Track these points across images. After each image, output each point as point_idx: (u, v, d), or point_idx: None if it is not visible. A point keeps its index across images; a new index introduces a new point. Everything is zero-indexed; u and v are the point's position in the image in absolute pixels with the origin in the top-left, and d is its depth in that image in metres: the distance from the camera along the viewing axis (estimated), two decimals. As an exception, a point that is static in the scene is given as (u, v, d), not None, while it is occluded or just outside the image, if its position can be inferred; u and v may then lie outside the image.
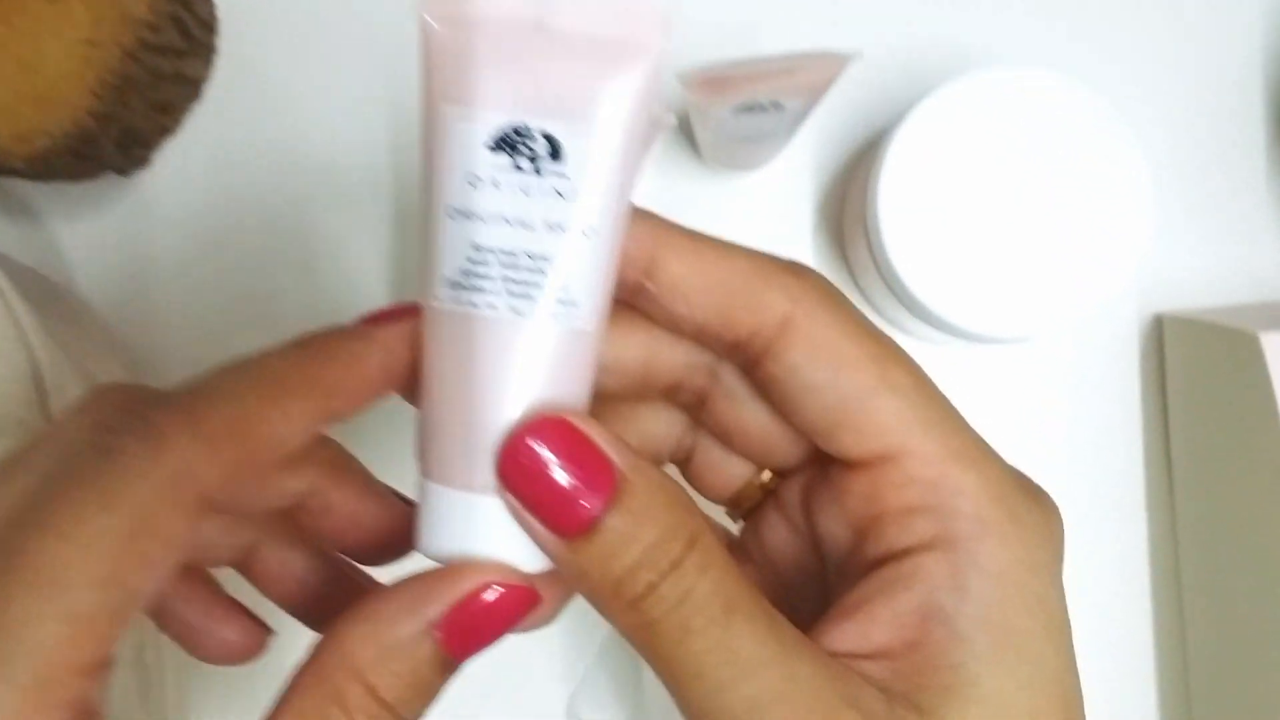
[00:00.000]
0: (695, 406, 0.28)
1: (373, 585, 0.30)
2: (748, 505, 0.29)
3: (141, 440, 0.21)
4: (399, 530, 0.28)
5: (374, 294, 0.51)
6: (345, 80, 0.51)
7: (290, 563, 0.29)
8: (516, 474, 0.23)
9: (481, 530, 0.24)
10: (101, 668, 0.20)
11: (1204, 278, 0.51)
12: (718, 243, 0.25)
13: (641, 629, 0.23)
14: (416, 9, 0.23)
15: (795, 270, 0.25)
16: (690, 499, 0.24)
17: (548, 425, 0.23)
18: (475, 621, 0.23)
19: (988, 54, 0.51)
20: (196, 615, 0.28)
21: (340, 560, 0.30)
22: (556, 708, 0.51)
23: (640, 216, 0.25)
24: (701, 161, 0.51)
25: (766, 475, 0.29)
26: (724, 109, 0.41)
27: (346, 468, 0.28)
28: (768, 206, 0.51)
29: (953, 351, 0.50)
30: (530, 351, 0.23)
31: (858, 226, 0.46)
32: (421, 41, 0.23)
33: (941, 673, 0.23)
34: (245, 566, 0.29)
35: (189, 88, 0.47)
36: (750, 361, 0.25)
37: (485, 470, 0.23)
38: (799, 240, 0.51)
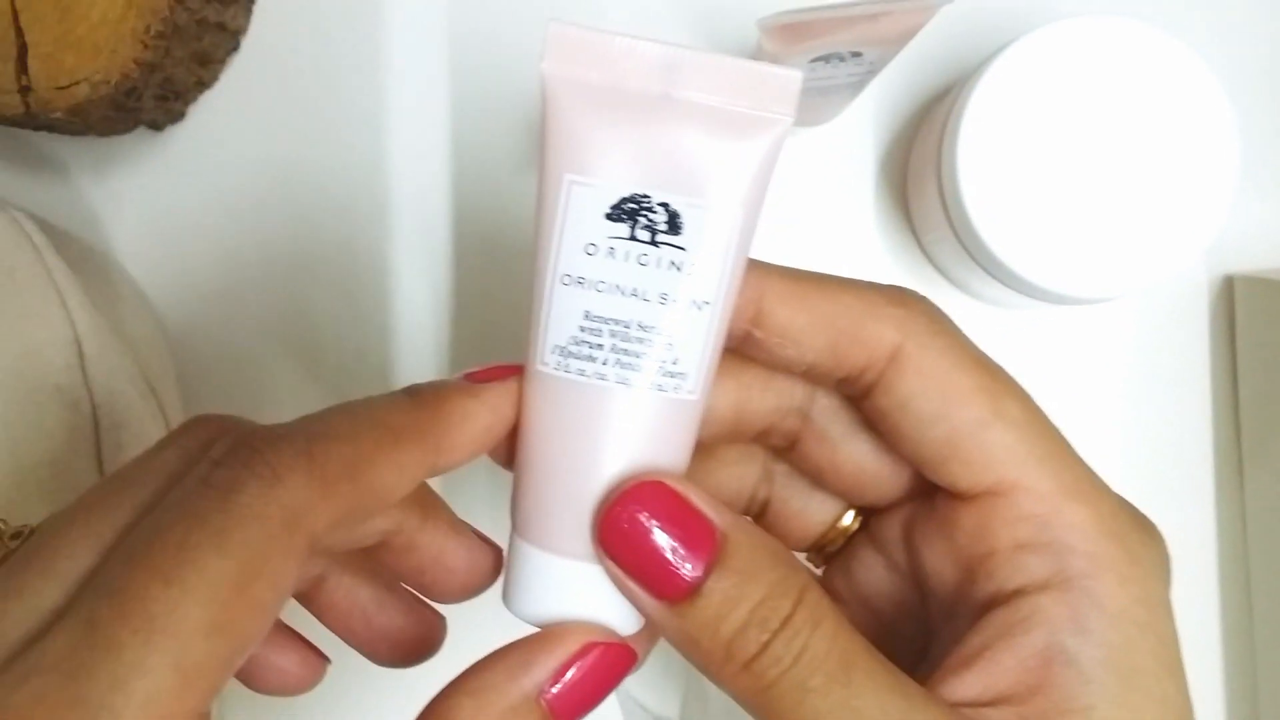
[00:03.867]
0: (783, 449, 0.28)
1: (437, 621, 0.29)
2: (831, 549, 0.29)
3: (257, 477, 0.20)
4: (479, 570, 0.28)
5: (412, 266, 0.49)
6: (392, 30, 0.49)
7: (357, 595, 0.28)
8: (617, 541, 0.23)
9: (578, 595, 0.24)
10: (204, 716, 0.20)
11: (1276, 237, 0.50)
12: (819, 279, 0.25)
13: (757, 692, 0.22)
14: (540, 74, 0.23)
15: (902, 299, 0.25)
16: (791, 553, 0.24)
17: (646, 490, 0.23)
18: (580, 684, 0.24)
19: (1066, 1, 0.49)
20: None
21: (407, 594, 0.29)
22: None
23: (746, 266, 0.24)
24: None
25: (849, 518, 0.29)
26: (800, 59, 0.39)
27: (433, 506, 0.28)
28: (826, 162, 0.50)
29: (1015, 315, 0.49)
30: (635, 422, 0.24)
31: (926, 183, 0.45)
32: (543, 106, 0.23)
33: (1070, 717, 0.23)
34: (309, 597, 0.28)
35: (228, 38, 0.45)
36: (859, 394, 0.26)
37: (583, 537, 0.24)
38: (859, 198, 0.49)
